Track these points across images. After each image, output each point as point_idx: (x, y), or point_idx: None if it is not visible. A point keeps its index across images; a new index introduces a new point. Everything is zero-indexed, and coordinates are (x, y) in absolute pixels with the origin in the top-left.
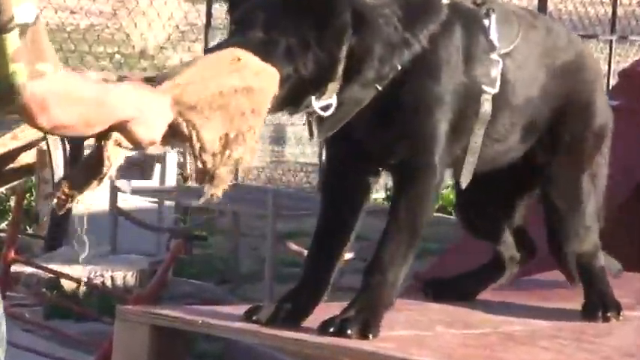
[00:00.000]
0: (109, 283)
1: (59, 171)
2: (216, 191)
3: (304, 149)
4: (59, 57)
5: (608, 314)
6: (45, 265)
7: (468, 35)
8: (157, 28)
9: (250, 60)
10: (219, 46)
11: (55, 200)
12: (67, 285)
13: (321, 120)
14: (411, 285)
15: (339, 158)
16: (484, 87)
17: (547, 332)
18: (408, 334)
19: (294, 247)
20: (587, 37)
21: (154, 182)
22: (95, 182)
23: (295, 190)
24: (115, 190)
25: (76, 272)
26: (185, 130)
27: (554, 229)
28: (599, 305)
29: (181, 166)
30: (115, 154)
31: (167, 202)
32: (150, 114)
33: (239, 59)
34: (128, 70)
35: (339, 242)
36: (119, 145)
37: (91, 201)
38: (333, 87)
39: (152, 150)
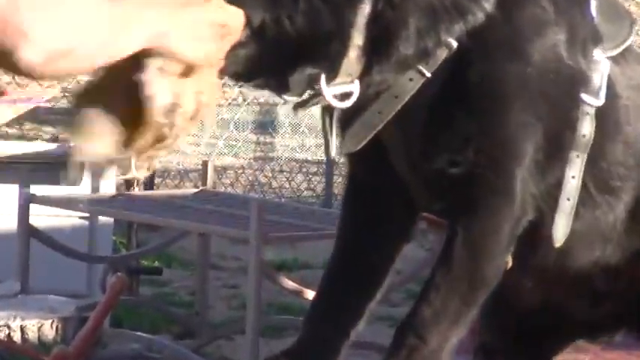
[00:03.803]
0: (17, 336)
1: None
2: (141, 172)
3: (303, 140)
4: None
5: None
6: None
7: (557, 8)
8: None
9: None
10: None
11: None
12: None
13: (344, 124)
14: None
15: (369, 175)
16: (583, 94)
17: None
18: None
19: (288, 283)
20: None
21: (82, 188)
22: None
23: (290, 201)
24: (26, 200)
25: None
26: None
27: None
28: None
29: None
30: (169, 88)
31: (102, 218)
32: (183, 19)
33: None
34: None
35: (361, 291)
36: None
37: None
38: (351, 65)
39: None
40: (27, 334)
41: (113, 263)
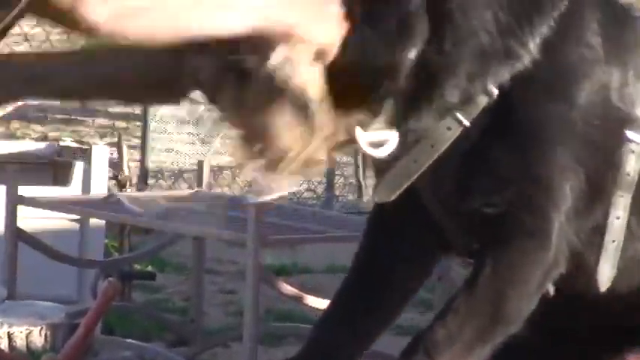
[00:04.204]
0: (4, 343)
1: None
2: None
3: None
4: None
5: None
6: None
7: (608, 43)
8: None
9: None
10: None
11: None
12: None
13: (379, 168)
14: None
15: (397, 204)
16: (628, 132)
17: None
18: None
19: (287, 288)
20: None
21: (73, 189)
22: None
23: (290, 202)
24: (13, 201)
25: None
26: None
27: None
28: None
29: (116, 164)
30: (309, 77)
31: (94, 221)
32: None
33: None
34: None
35: (374, 313)
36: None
37: None
38: (390, 111)
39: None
40: (14, 342)
41: (105, 268)
